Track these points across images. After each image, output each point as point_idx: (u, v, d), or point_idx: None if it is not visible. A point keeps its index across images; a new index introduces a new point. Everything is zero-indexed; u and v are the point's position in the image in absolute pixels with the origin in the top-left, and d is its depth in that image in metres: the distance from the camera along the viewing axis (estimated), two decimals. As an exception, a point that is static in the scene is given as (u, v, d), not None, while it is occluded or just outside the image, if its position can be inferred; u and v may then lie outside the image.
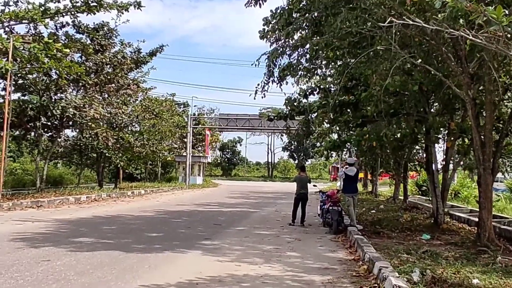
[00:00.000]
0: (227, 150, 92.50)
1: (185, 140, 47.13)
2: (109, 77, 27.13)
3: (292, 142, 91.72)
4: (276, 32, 12.16)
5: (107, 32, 27.48)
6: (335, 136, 21.55)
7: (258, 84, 13.21)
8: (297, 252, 10.52)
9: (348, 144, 17.58)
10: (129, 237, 11.69)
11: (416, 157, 25.96)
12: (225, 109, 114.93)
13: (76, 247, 9.99)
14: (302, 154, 77.37)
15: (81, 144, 29.62)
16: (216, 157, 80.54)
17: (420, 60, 12.32)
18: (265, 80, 13.13)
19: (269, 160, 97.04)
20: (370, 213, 19.60)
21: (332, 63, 15.83)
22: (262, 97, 13.33)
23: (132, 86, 29.24)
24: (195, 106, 60.23)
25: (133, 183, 41.69)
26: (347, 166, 15.14)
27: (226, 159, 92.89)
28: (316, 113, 16.32)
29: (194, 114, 53.32)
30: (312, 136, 21.18)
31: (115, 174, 39.03)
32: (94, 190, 26.57)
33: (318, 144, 68.26)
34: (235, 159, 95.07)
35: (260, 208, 22.71)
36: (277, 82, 13.23)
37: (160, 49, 30.15)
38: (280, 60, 12.83)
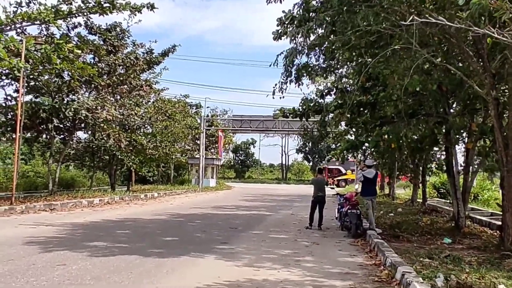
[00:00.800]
0: (241, 152, 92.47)
1: (198, 142, 47.21)
2: (121, 78, 27.32)
3: (307, 143, 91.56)
4: (292, 31, 12.10)
5: (120, 32, 27.67)
6: (351, 137, 21.47)
7: (276, 84, 13.18)
8: (316, 256, 10.48)
9: (366, 145, 17.55)
10: (144, 241, 11.71)
11: (435, 159, 25.81)
12: (239, 110, 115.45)
13: (91, 251, 10.02)
14: (316, 156, 77.24)
15: (93, 146, 29.76)
16: (229, 159, 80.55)
17: (439, 59, 12.21)
18: (283, 79, 13.10)
19: (283, 162, 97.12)
20: (388, 216, 19.48)
21: (349, 63, 15.79)
22: (281, 98, 13.28)
23: (145, 87, 29.39)
24: (208, 107, 60.50)
25: (145, 185, 41.93)
26: (366, 168, 15.05)
27: (239, 161, 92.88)
28: (332, 114, 16.24)
29: (207, 116, 53.49)
30: (328, 137, 21.11)
31: (128, 177, 39.27)
32: (107, 193, 26.71)
33: (333, 146, 68.37)
34: (248, 161, 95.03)
35: (275, 211, 22.71)
36: (295, 82, 13.19)
37: (172, 49, 30.28)
38: (298, 59, 12.80)
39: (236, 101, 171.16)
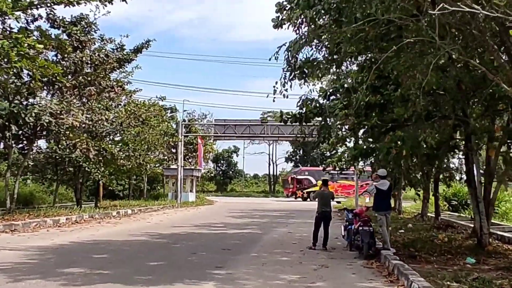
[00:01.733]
0: (222, 162, 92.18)
1: (174, 150, 46.98)
2: (89, 79, 27.03)
3: (297, 151, 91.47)
4: (295, 13, 11.97)
5: (85, 26, 27.43)
6: (350, 144, 21.40)
7: (276, 82, 13.12)
8: (329, 282, 10.45)
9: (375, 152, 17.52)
10: (127, 267, 11.62)
11: (448, 168, 25.89)
12: (220, 114, 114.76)
13: (68, 279, 9.87)
14: (308, 165, 77.22)
15: (57, 157, 29.42)
16: (210, 169, 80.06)
17: (457, 54, 12.21)
18: (284, 76, 13.05)
19: (271, 173, 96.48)
20: (398, 233, 19.49)
21: (354, 59, 15.75)
22: (285, 97, 13.31)
23: (117, 88, 29.13)
24: (185, 110, 60.03)
25: (115, 201, 41.59)
26: (378, 179, 15.03)
27: (220, 172, 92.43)
28: (336, 116, 16.14)
29: (185, 121, 53.27)
30: (327, 143, 21.12)
31: (95, 191, 38.92)
32: (74, 211, 26.39)
33: (329, 153, 68.07)
34: (231, 172, 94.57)
35: (270, 229, 22.72)
36: (299, 78, 13.15)
37: (146, 45, 30.20)
38: (303, 52, 12.76)
39: (216, 103, 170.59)
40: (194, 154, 54.87)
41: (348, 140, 20.54)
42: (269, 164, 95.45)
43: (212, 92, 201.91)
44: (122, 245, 15.82)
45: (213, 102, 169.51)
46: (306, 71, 13.85)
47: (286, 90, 13.50)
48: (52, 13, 24.59)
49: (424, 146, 15.37)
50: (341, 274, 11.45)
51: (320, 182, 62.81)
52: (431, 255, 13.65)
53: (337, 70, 15.74)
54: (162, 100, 40.28)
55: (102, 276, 10.26)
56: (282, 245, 16.82)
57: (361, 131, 18.55)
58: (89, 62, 27.17)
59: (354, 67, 17.17)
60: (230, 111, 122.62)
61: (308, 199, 57.73)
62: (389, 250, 13.82)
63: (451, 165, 28.22)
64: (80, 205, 31.20)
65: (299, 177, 64.15)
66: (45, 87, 25.61)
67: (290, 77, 13.13)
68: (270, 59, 12.33)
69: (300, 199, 61.20)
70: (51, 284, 9.38)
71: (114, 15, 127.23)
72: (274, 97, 13.31)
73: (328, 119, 16.76)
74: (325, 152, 76.70)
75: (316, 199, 16.58)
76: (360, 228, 14.36)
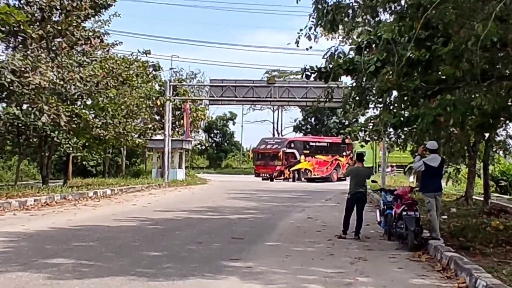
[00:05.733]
0: (216, 132, 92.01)
1: (159, 118, 46.53)
2: (59, 28, 26.86)
3: (309, 118, 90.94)
4: None
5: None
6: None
7: (301, 30, 13.10)
8: (371, 277, 10.55)
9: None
10: (123, 258, 11.75)
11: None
12: (214, 73, 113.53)
13: (55, 272, 10.00)
14: (322, 136, 76.64)
15: (19, 125, 29.19)
16: (201, 141, 79.65)
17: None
18: (312, 22, 13.04)
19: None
20: (442, 220, 19.50)
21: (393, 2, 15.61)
22: (307, 49, 13.24)
23: (94, 40, 28.95)
24: (171, 68, 59.49)
25: (87, 179, 41.66)
26: (427, 154, 15.02)
27: (214, 144, 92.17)
28: (377, 75, 15.96)
29: (171, 80, 52.52)
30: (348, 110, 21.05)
31: (64, 167, 38.84)
32: (42, 190, 26.40)
33: (347, 121, 67.86)
34: (226, 144, 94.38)
35: (284, 214, 22.81)
36: (330, 26, 13.11)
37: (127, -13, 29.93)
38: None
39: (209, 60, 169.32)
40: (184, 122, 54.38)
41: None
42: (273, 135, 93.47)
43: (204, 46, 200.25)
44: (110, 232, 15.90)
45: (205, 58, 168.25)
46: (336, 18, 13.78)
47: (310, 39, 13.43)
48: None
49: (478, 113, 15.32)
50: (385, 269, 11.50)
51: (303, 158, 60.03)
52: (486, 246, 13.60)
53: (374, 19, 15.66)
54: (146, 55, 39.84)
55: (95, 269, 10.39)
56: (304, 233, 16.91)
57: (393, 94, 18.50)
58: (58, 7, 26.95)
59: (391, 18, 17.05)
60: (225, 69, 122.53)
61: (301, 180, 56.07)
62: (438, 240, 13.83)
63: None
64: (46, 183, 31.16)
65: (288, 150, 58.99)
66: (5, 39, 25.44)
67: (318, 24, 13.08)
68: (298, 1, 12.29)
69: (291, 180, 56.68)
70: (36, 278, 9.49)
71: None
72: (298, 45, 13.26)
73: (363, 78, 16.61)
74: (343, 121, 76.88)
75: (349, 177, 16.56)
76: (404, 213, 14.26)
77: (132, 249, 13.06)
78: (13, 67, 23.68)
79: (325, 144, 62.81)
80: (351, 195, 16.22)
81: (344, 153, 60.73)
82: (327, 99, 19.65)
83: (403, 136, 25.73)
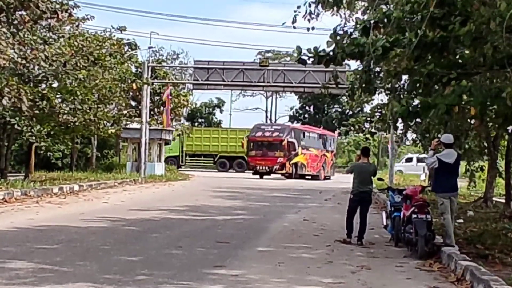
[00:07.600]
0: (200, 120, 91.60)
1: (135, 104, 46.39)
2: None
3: (307, 107, 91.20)
4: None
5: None
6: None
7: (299, 7, 12.73)
8: (377, 289, 10.57)
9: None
10: (91, 263, 11.67)
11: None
12: (198, 54, 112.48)
13: (12, 278, 10.00)
14: (320, 127, 76.69)
15: (-26, 110, 28.99)
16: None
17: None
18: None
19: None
20: (457, 224, 19.28)
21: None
22: (308, 29, 12.98)
23: (61, 14, 28.45)
24: (150, 47, 59.30)
25: (52, 172, 42.06)
26: (441, 149, 14.85)
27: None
28: (386, 58, 15.69)
29: (149, 61, 52.17)
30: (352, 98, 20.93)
31: (25, 159, 38.66)
32: (0, 185, 26.32)
33: (350, 110, 67.83)
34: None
35: (277, 216, 22.82)
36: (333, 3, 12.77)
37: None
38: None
39: (193, 38, 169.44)
40: (163, 109, 53.93)
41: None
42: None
43: (188, 22, 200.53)
44: (76, 234, 15.83)
45: (189, 36, 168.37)
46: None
47: (311, 18, 13.14)
48: None
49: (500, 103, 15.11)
50: (391, 279, 11.48)
51: (300, 150, 58.41)
52: (507, 255, 13.59)
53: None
54: (121, 32, 39.64)
55: (58, 275, 10.35)
56: (299, 237, 16.92)
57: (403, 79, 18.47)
58: (20, -26, 26.53)
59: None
60: (212, 49, 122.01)
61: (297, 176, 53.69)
62: (453, 247, 13.72)
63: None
64: (4, 177, 31.08)
65: (290, 139, 55.44)
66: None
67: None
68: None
69: (292, 175, 54.43)
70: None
71: None
72: (294, 24, 12.95)
73: (371, 62, 16.26)
74: (347, 110, 77.04)
75: (352, 174, 16.42)
76: (414, 215, 14.15)
77: (102, 253, 13.00)
78: (-32, 44, 23.38)
79: (316, 135, 60.88)
80: (354, 194, 16.13)
81: (330, 148, 60.49)
82: (336, 85, 19.37)
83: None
